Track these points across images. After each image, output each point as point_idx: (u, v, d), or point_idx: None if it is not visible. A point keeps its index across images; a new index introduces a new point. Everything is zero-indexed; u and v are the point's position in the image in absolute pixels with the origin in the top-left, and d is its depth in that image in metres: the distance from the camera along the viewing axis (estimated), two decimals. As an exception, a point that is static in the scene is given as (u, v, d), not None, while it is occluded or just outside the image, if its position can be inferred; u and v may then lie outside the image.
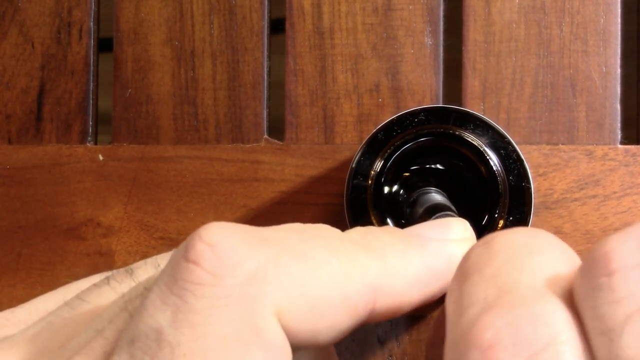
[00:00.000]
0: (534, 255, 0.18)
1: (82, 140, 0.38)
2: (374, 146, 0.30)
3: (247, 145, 0.37)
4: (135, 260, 0.34)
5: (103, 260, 0.37)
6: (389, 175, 0.31)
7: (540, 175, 0.35)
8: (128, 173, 0.37)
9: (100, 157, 0.37)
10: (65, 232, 0.37)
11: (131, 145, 0.37)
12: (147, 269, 0.23)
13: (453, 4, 0.37)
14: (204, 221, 0.36)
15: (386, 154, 0.30)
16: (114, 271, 0.23)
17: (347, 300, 0.19)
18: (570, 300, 0.17)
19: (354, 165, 0.30)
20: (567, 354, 0.15)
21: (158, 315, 0.18)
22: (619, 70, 0.36)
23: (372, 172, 0.30)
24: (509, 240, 0.18)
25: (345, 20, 0.37)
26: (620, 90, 0.36)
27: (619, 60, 0.36)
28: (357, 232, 0.21)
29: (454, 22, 0.37)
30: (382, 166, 0.30)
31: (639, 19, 0.37)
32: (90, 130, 0.38)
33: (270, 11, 0.38)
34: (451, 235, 0.23)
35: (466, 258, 0.19)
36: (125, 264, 0.36)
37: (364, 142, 0.30)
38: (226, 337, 0.17)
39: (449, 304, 0.18)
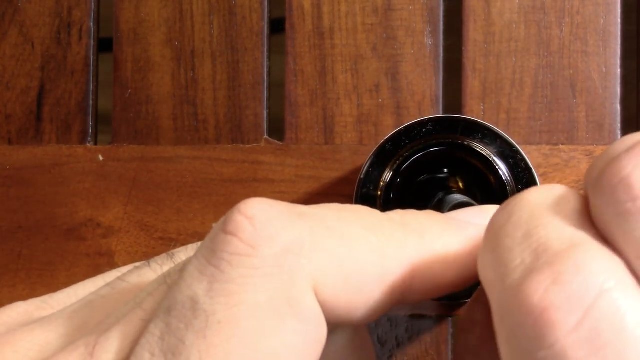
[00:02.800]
0: (552, 207, 0.18)
1: (82, 141, 0.38)
2: (382, 157, 0.30)
3: (247, 146, 0.37)
4: (135, 261, 0.34)
5: (103, 261, 0.37)
6: (398, 185, 0.31)
7: (540, 176, 0.35)
8: (128, 173, 0.37)
9: (100, 158, 0.37)
10: (65, 233, 0.37)
11: (131, 145, 0.37)
12: (188, 253, 0.23)
13: (453, 4, 0.37)
14: (204, 222, 0.36)
15: (395, 165, 0.30)
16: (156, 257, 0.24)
17: (383, 278, 0.19)
18: (601, 234, 0.17)
19: (362, 176, 0.30)
20: (620, 296, 0.15)
21: (195, 285, 0.18)
22: (619, 71, 0.36)
23: (382, 183, 0.30)
24: (524, 200, 0.18)
25: (345, 20, 0.37)
26: (620, 90, 0.36)
27: (619, 61, 0.36)
28: (396, 212, 0.22)
29: (454, 22, 0.37)
30: (391, 177, 0.30)
31: (639, 19, 0.37)
32: (90, 130, 0.38)
33: (270, 11, 0.38)
34: None
35: (491, 225, 0.19)
36: (125, 264, 0.36)
37: (372, 152, 0.30)
38: (261, 306, 0.18)
39: (486, 276, 0.18)
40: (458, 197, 0.30)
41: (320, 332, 0.19)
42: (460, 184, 0.32)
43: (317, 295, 0.19)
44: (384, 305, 0.20)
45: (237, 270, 0.18)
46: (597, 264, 0.16)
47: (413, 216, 0.21)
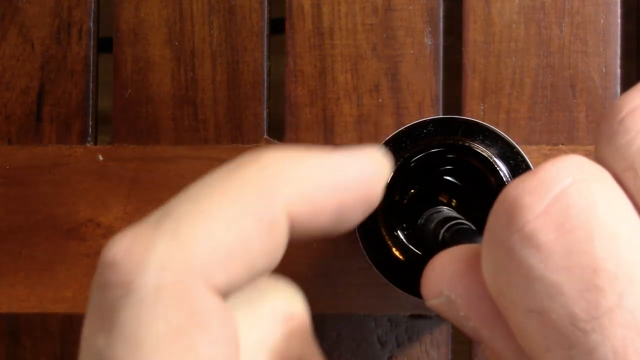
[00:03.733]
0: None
1: (82, 141, 0.38)
2: None
3: (247, 146, 0.37)
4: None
5: (103, 261, 0.37)
6: (399, 186, 0.31)
7: (540, 176, 0.35)
8: (128, 173, 0.37)
9: (100, 158, 0.37)
10: (65, 233, 0.37)
11: (131, 145, 0.37)
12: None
13: (453, 4, 0.37)
14: (204, 221, 0.36)
15: (396, 166, 0.30)
16: None
17: (247, 240, 0.18)
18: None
19: None
20: (594, 186, 0.16)
21: (96, 341, 0.18)
22: (619, 71, 0.36)
23: None
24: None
25: (345, 20, 0.37)
26: (620, 90, 0.36)
27: (619, 61, 0.36)
28: (248, 154, 0.20)
29: (454, 22, 0.37)
30: (392, 178, 0.30)
31: (639, 19, 0.37)
32: (90, 130, 0.38)
33: (270, 11, 0.38)
34: (364, 153, 0.21)
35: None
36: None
37: None
38: (162, 336, 0.17)
39: None
40: (445, 212, 0.30)
41: (230, 330, 0.18)
42: (460, 185, 0.32)
43: (214, 281, 0.18)
44: (263, 270, 0.19)
45: (126, 312, 0.17)
46: (575, 162, 0.17)
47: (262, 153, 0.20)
